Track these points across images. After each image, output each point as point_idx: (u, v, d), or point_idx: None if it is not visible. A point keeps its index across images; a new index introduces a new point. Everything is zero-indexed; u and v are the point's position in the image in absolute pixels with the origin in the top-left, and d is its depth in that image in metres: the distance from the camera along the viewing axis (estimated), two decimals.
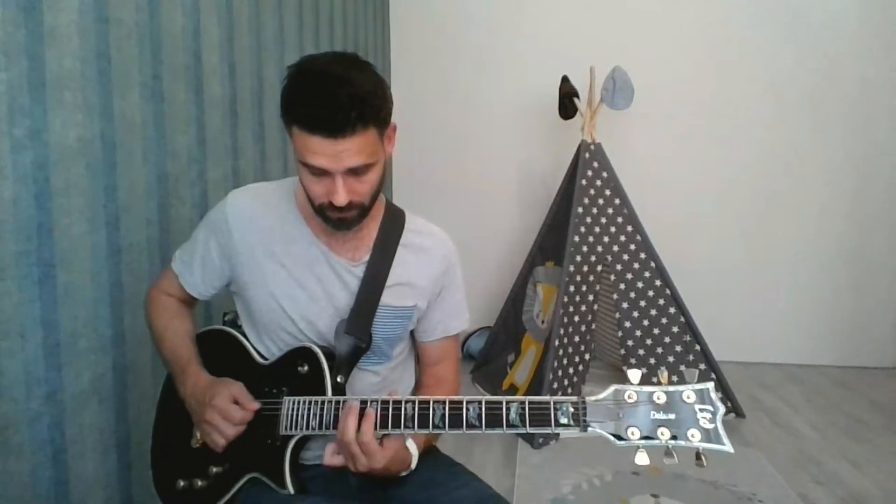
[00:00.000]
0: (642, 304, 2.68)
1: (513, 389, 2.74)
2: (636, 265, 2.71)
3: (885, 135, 3.30)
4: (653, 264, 2.72)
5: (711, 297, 3.33)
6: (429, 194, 3.63)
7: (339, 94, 0.89)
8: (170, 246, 1.50)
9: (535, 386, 2.52)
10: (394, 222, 1.13)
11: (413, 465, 1.03)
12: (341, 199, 0.94)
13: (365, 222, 1.05)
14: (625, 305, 2.67)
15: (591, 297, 2.67)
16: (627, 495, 2.04)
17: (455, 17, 3.53)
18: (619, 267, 2.71)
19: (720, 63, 3.35)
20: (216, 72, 1.72)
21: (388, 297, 1.09)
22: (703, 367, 2.66)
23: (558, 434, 2.45)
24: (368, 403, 0.96)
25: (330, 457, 0.96)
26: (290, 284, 1.07)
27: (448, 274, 1.16)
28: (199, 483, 1.05)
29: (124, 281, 1.34)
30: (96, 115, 1.25)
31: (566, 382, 2.55)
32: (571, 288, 2.60)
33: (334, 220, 0.99)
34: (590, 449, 2.37)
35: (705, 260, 3.43)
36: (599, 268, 2.70)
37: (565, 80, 2.99)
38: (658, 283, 2.70)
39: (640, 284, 2.70)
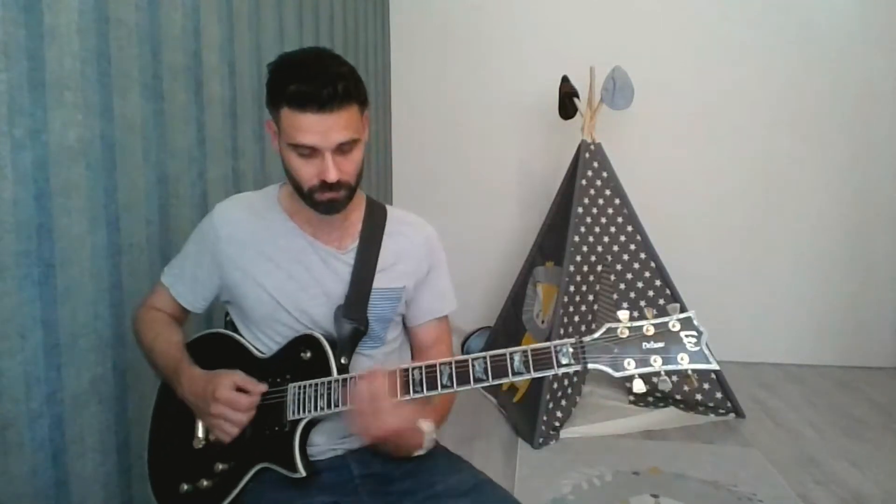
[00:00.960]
0: (642, 304, 2.68)
1: (513, 389, 2.74)
2: (636, 265, 2.72)
3: (886, 135, 3.29)
4: (653, 264, 2.72)
5: (711, 297, 3.33)
6: (429, 194, 3.63)
7: (326, 71, 0.97)
8: (170, 246, 1.50)
9: (535, 386, 2.52)
10: (376, 213, 1.19)
11: (427, 444, 1.06)
12: (332, 174, 0.99)
13: (349, 211, 1.11)
14: (625, 305, 2.67)
15: (591, 297, 2.67)
16: (627, 495, 2.04)
17: (455, 18, 3.53)
18: (619, 267, 2.71)
19: (720, 63, 3.35)
20: (216, 72, 1.72)
21: (379, 281, 1.13)
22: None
23: (559, 433, 2.45)
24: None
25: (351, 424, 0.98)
26: (280, 276, 1.10)
27: (431, 256, 1.21)
28: (205, 483, 1.05)
29: (124, 281, 1.34)
30: (96, 115, 1.25)
31: (566, 382, 2.56)
32: (571, 288, 2.60)
33: (325, 202, 1.03)
34: (590, 449, 2.37)
35: (705, 260, 3.43)
36: (599, 268, 2.70)
37: (565, 80, 2.99)
38: (658, 283, 2.70)
39: (640, 284, 2.70)
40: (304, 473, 1.00)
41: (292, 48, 1.08)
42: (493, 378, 0.93)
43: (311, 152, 0.99)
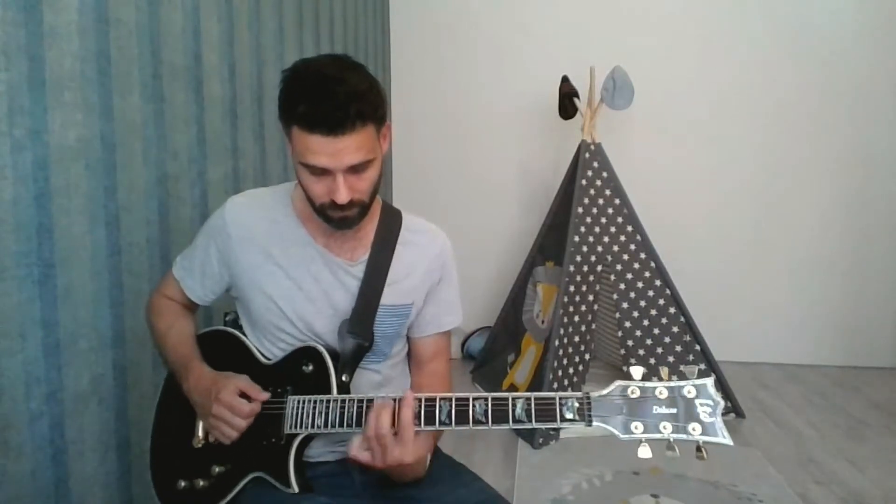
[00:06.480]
0: (642, 304, 2.68)
1: (513, 389, 2.74)
2: (636, 265, 2.71)
3: (886, 135, 3.30)
4: (653, 264, 2.72)
5: (711, 296, 3.33)
6: (429, 194, 3.63)
7: (338, 91, 0.91)
8: (170, 246, 1.50)
9: (536, 386, 2.52)
10: (391, 222, 1.15)
11: (425, 469, 1.04)
12: (343, 196, 0.95)
13: (363, 222, 1.06)
14: (625, 305, 2.67)
15: (591, 297, 2.67)
16: (627, 495, 2.04)
17: (455, 18, 3.53)
18: (619, 267, 2.71)
19: (720, 63, 3.35)
20: (216, 72, 1.72)
21: (387, 297, 1.11)
22: (702, 366, 2.66)
23: (559, 433, 2.45)
24: (375, 402, 0.96)
25: (357, 449, 0.94)
26: (288, 285, 1.08)
27: (442, 269, 1.18)
28: (201, 483, 1.05)
29: (124, 281, 1.34)
30: (96, 115, 1.25)
31: (566, 382, 2.55)
32: (571, 288, 2.60)
33: (336, 220, 1.01)
34: (590, 449, 2.37)
35: (705, 260, 3.44)
36: (599, 268, 2.70)
37: (565, 80, 2.99)
38: (658, 283, 2.70)
39: (640, 284, 2.70)
40: (296, 490, 0.99)
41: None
42: (492, 423, 0.89)
43: (322, 171, 0.95)
